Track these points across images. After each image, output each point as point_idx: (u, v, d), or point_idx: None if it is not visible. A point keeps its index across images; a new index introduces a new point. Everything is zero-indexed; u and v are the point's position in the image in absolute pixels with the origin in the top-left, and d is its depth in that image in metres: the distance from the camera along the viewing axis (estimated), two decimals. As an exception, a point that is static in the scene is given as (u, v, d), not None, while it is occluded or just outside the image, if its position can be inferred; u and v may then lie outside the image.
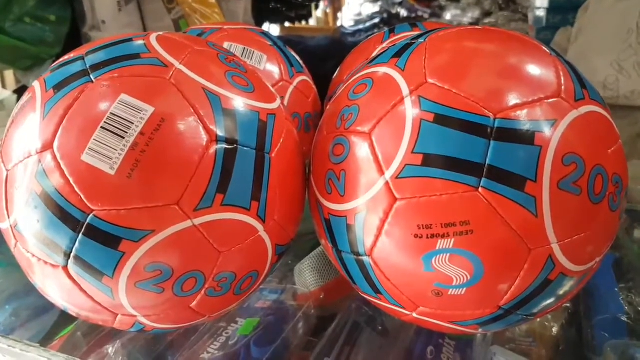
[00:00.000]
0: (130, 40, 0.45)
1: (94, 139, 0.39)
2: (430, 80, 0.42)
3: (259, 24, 1.87)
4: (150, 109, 0.39)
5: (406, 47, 0.46)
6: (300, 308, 0.65)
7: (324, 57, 1.13)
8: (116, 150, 0.38)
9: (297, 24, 2.46)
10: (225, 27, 0.71)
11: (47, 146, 0.39)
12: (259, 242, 0.45)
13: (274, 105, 0.47)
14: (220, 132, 0.41)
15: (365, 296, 0.49)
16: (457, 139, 0.39)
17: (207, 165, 0.40)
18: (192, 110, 0.41)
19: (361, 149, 0.43)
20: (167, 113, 0.40)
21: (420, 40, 0.46)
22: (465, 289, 0.41)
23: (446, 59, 0.43)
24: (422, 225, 0.40)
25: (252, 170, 0.43)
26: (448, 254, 0.39)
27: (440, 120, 0.40)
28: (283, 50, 0.72)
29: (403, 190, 0.40)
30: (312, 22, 2.89)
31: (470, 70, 0.41)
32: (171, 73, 0.42)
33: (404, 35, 0.70)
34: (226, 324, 0.57)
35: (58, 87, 0.41)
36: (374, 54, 0.50)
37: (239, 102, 0.44)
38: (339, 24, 3.45)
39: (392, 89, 0.43)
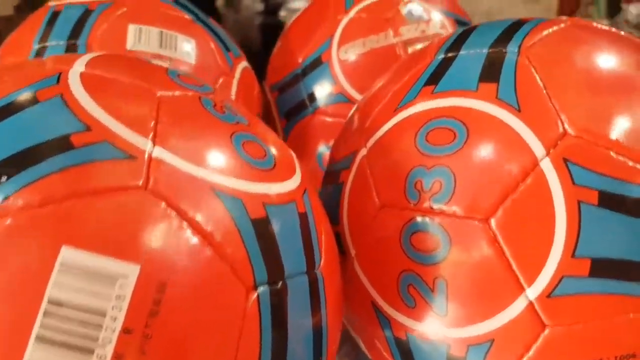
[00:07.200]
0: (25, 94, 0.22)
1: (24, 366, 0.18)
2: (570, 130, 0.26)
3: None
4: (131, 269, 0.19)
5: (493, 63, 0.30)
6: None
7: None
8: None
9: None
10: (120, -5, 0.46)
11: None
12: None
13: (299, 172, 0.29)
14: (257, 268, 0.22)
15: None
16: (646, 233, 0.25)
17: (250, 336, 0.22)
18: (203, 240, 0.21)
19: (475, 247, 0.27)
20: (164, 266, 0.20)
21: (509, 50, 0.30)
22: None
23: (581, 89, 0.28)
24: (587, 361, 0.26)
25: (308, 311, 0.25)
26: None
27: (611, 201, 0.25)
28: (212, 28, 0.50)
29: (558, 314, 0.26)
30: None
31: (630, 106, 0.27)
32: (144, 174, 0.21)
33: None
34: None
35: None
36: (420, 70, 0.32)
37: (270, 198, 0.24)
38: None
39: (511, 143, 0.27)
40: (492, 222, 0.26)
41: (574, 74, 0.28)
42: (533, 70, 0.29)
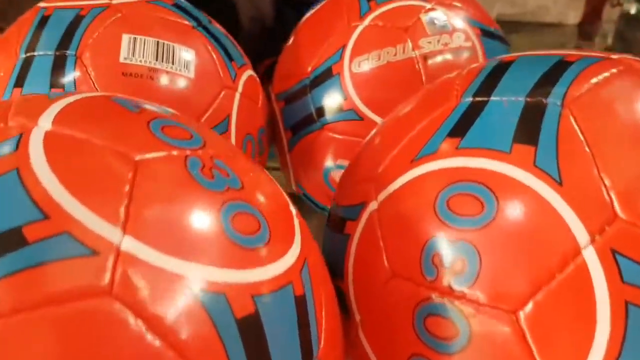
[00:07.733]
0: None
1: None
2: (621, 214, 0.22)
3: None
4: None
5: (531, 118, 0.25)
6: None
7: None
8: None
9: None
10: (114, 1, 0.42)
11: None
12: None
13: (298, 237, 0.25)
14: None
15: None
16: None
17: None
18: (176, 356, 0.18)
19: (498, 342, 0.23)
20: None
21: (551, 101, 0.26)
22: None
23: (638, 160, 0.23)
24: None
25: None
26: None
27: (665, 304, 0.21)
28: (214, 35, 0.46)
29: None
30: None
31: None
32: (110, 274, 0.17)
33: (392, 5, 0.48)
34: None
35: None
36: (444, 115, 0.28)
37: (261, 287, 0.21)
38: None
39: (549, 224, 0.23)
40: (521, 315, 0.23)
41: (630, 139, 0.24)
42: (579, 131, 0.24)
